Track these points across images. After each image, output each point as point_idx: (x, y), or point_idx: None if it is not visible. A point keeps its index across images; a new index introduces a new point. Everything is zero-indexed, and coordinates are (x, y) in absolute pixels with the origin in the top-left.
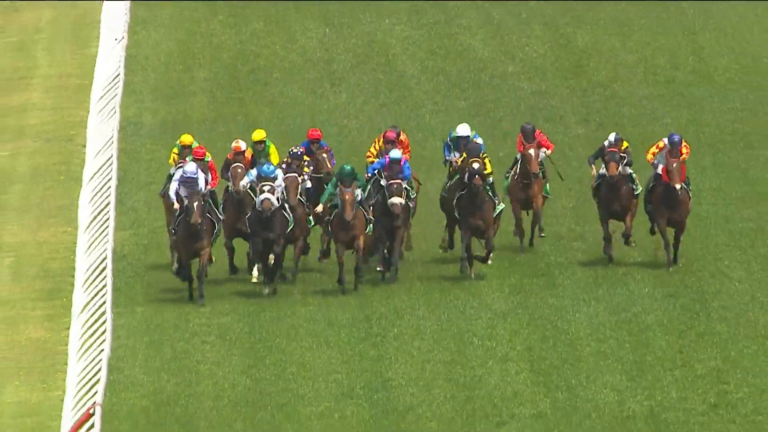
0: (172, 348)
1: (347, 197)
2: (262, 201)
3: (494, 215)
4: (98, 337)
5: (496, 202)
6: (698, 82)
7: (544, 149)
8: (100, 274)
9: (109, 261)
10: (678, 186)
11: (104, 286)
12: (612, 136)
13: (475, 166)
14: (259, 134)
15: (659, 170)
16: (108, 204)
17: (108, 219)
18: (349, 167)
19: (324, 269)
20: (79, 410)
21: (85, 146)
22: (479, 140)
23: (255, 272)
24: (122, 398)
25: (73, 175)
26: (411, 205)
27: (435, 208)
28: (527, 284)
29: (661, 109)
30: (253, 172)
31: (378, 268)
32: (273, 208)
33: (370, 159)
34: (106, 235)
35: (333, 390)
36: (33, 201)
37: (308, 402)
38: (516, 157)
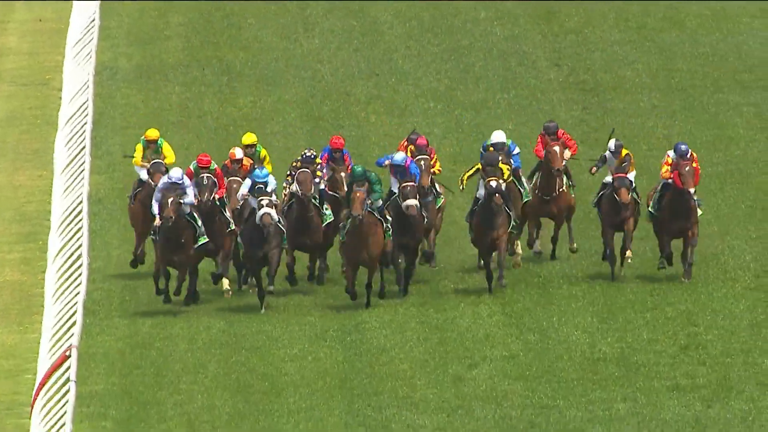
0: (147, 291)
1: (357, 195)
2: (261, 216)
3: (508, 229)
4: (74, 280)
5: (513, 216)
6: (669, 27)
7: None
8: (75, 217)
9: (84, 204)
10: (692, 189)
11: (80, 229)
12: (612, 144)
13: (493, 184)
14: (249, 138)
15: (668, 179)
16: (83, 148)
17: (83, 163)
18: (360, 168)
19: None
20: (55, 353)
21: (60, 90)
22: (516, 150)
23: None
24: (98, 341)
25: (49, 119)
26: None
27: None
28: None
29: (633, 54)
30: (248, 181)
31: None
32: (273, 223)
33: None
34: (82, 178)
35: (307, 332)
36: (9, 145)
37: (282, 344)
38: (538, 163)
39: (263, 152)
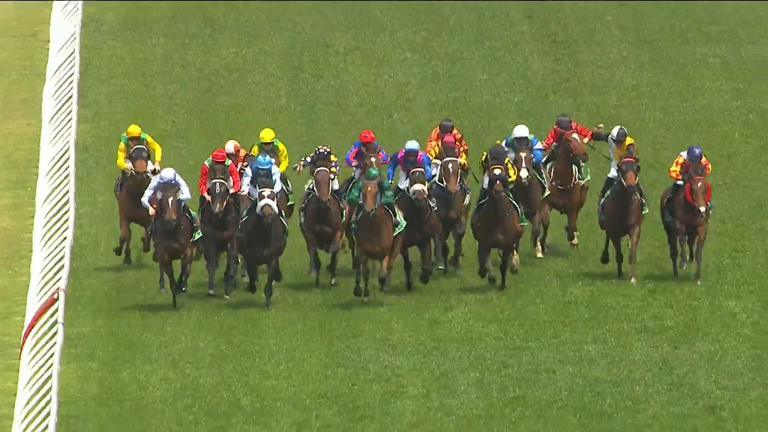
0: (133, 237)
1: (368, 189)
2: (262, 207)
3: (518, 227)
4: (61, 225)
5: (520, 211)
6: None
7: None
8: (63, 164)
9: (71, 152)
10: (703, 208)
11: (67, 176)
12: (615, 131)
13: (497, 172)
14: (267, 135)
15: (678, 181)
16: (70, 97)
17: (71, 112)
18: (374, 171)
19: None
20: (43, 295)
21: (48, 42)
22: (538, 145)
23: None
24: (85, 284)
25: (37, 70)
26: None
27: None
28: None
29: (602, 7)
30: (249, 170)
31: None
32: (274, 214)
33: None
34: (69, 127)
35: (288, 278)
36: None
37: (261, 287)
38: (552, 150)
39: (281, 147)
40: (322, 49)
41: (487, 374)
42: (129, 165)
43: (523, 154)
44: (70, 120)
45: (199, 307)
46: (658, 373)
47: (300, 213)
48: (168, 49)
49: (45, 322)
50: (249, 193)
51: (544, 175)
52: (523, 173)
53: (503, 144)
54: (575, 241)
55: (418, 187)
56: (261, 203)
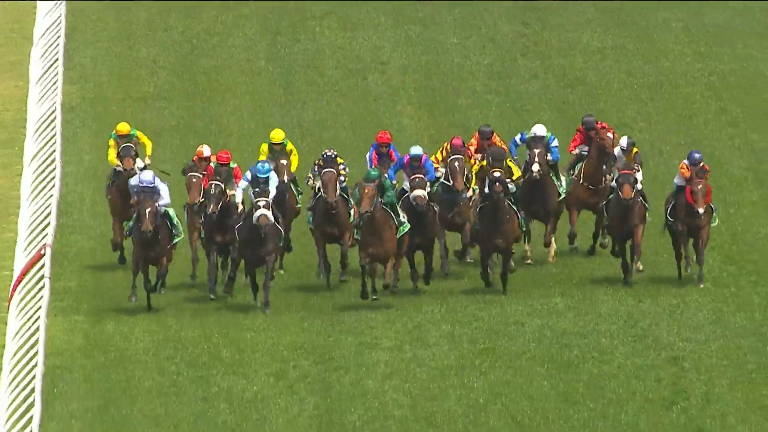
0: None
1: (366, 191)
2: (258, 217)
3: (521, 232)
4: (48, 183)
5: (521, 215)
6: None
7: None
8: (50, 124)
9: (58, 113)
10: (701, 210)
11: (54, 135)
12: (624, 141)
13: (496, 174)
14: (277, 135)
15: (679, 183)
16: (57, 60)
17: (57, 74)
18: (375, 172)
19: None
20: (30, 251)
21: (35, 6)
22: (555, 143)
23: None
24: (71, 240)
25: (25, 33)
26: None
27: None
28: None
29: None
30: (248, 174)
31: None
32: (269, 224)
33: (435, 166)
34: (56, 88)
35: None
36: None
37: None
38: (579, 152)
39: (290, 146)
40: (299, 13)
41: (458, 327)
42: (119, 162)
43: (536, 150)
44: (56, 82)
45: (180, 265)
46: (623, 326)
47: (308, 213)
48: (151, 14)
49: (32, 277)
50: (236, 196)
51: (561, 177)
52: (535, 167)
53: (518, 139)
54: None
55: (418, 192)
56: (257, 213)
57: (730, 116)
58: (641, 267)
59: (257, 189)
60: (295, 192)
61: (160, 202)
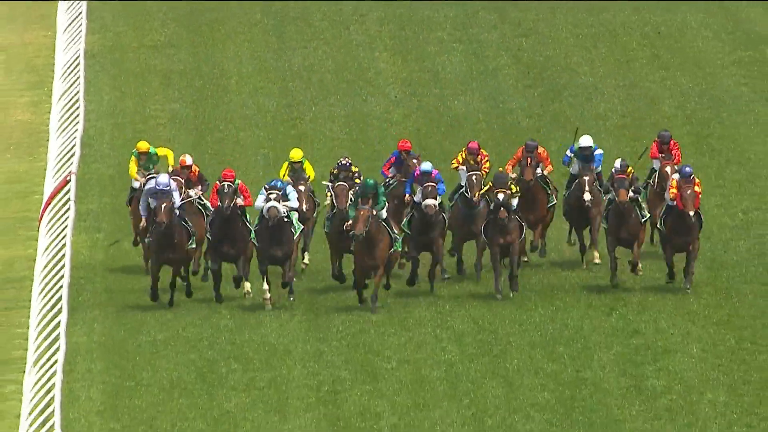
0: (132, 129)
1: (360, 213)
2: (268, 209)
3: (521, 238)
4: (74, 119)
5: (524, 225)
6: None
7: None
8: (74, 69)
9: (81, 59)
10: (692, 212)
11: (78, 78)
12: (618, 163)
13: (500, 197)
14: (297, 154)
15: (670, 201)
16: (80, 13)
17: (81, 25)
18: (371, 181)
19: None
20: (58, 178)
21: None
22: (599, 151)
23: (265, 286)
24: (92, 168)
25: None
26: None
27: None
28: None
29: None
30: (263, 190)
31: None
32: (279, 216)
33: (454, 165)
34: (80, 38)
35: (261, 161)
36: (18, 11)
37: (241, 170)
38: (653, 168)
39: (308, 166)
40: None
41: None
42: (140, 177)
43: (586, 178)
44: (80, 32)
45: None
46: (572, 247)
47: (325, 222)
48: None
49: (59, 200)
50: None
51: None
52: (586, 196)
53: (569, 152)
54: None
55: (429, 201)
56: (267, 205)
57: (662, 61)
58: (641, 270)
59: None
60: (314, 200)
61: (176, 202)
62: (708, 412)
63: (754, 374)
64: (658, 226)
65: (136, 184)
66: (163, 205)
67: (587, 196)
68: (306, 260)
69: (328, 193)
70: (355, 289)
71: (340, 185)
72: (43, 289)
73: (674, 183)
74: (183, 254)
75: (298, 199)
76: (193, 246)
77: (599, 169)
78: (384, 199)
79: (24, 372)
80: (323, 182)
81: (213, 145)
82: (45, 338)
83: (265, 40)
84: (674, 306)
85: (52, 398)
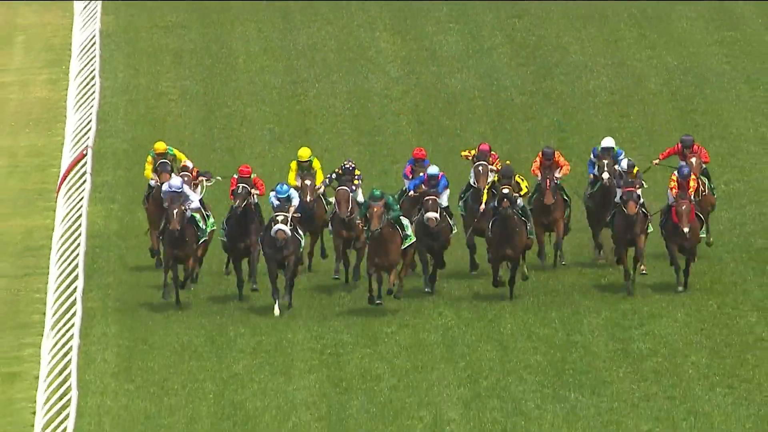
0: (145, 105)
1: (375, 210)
2: (276, 231)
3: (526, 240)
4: (90, 96)
5: (529, 227)
6: None
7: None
8: (90, 48)
9: (97, 38)
10: (686, 229)
11: (94, 57)
12: (624, 163)
13: (505, 191)
14: (305, 152)
15: (671, 201)
16: None
17: (96, 6)
18: (378, 192)
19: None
20: (74, 152)
21: None
22: (622, 156)
23: (275, 295)
24: (107, 143)
25: None
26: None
27: None
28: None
29: None
30: (273, 200)
31: (426, 290)
32: (287, 238)
33: (464, 155)
34: (95, 18)
35: (267, 136)
36: None
37: (248, 145)
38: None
39: (315, 162)
40: None
41: None
42: (155, 176)
43: (605, 161)
44: (96, 12)
45: (201, 133)
46: None
47: (329, 221)
48: None
49: (76, 173)
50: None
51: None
52: (605, 175)
53: (593, 156)
54: (711, 239)
55: (430, 215)
56: (275, 228)
57: (648, 41)
58: (644, 269)
59: (278, 205)
60: (325, 203)
61: (191, 205)
62: (692, 373)
63: (735, 338)
64: (661, 231)
65: (153, 183)
66: (174, 211)
67: (606, 175)
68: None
69: (327, 183)
70: (368, 295)
71: (341, 190)
72: (60, 257)
73: (673, 179)
74: (192, 252)
75: (303, 192)
76: (206, 240)
77: (623, 164)
78: (397, 207)
79: (42, 335)
80: (325, 181)
81: (221, 120)
82: (62, 303)
83: (271, 20)
84: (660, 273)
85: (69, 360)
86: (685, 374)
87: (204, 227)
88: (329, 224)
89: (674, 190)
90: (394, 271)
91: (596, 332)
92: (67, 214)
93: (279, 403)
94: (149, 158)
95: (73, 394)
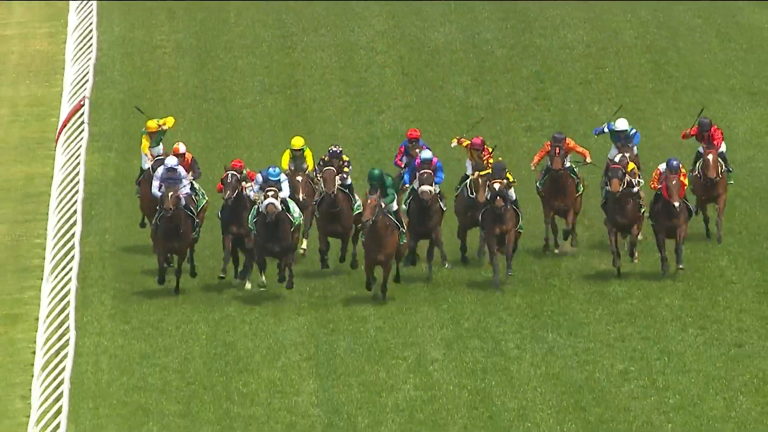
0: (140, 57)
1: (368, 201)
2: (266, 205)
3: (518, 227)
4: (87, 49)
5: (520, 213)
6: None
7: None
8: (88, 2)
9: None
10: (677, 203)
11: (91, 11)
12: (617, 157)
13: (496, 186)
14: (298, 141)
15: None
16: None
17: None
18: (377, 171)
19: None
20: (73, 102)
21: None
22: (635, 131)
23: (262, 278)
24: (104, 94)
25: None
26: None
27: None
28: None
29: None
30: (259, 177)
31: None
32: (277, 212)
33: (453, 143)
34: None
35: (257, 87)
36: None
37: (239, 95)
38: (699, 151)
39: (308, 152)
40: None
41: None
42: (150, 157)
43: (627, 154)
44: None
45: (191, 110)
46: None
47: (315, 210)
48: None
49: (74, 122)
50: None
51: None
52: (617, 157)
53: (605, 127)
54: (720, 233)
55: (425, 188)
56: (265, 202)
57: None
58: (637, 256)
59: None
60: (315, 188)
61: (183, 191)
62: (665, 315)
63: (706, 281)
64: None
65: (146, 165)
66: (170, 193)
67: (620, 157)
68: (304, 245)
69: (318, 176)
70: (366, 287)
71: (328, 170)
72: (59, 203)
73: (658, 172)
74: (187, 242)
75: (295, 189)
76: (197, 235)
77: (636, 150)
78: (393, 191)
79: (42, 279)
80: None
81: (214, 71)
82: (61, 248)
83: None
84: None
85: (68, 303)
86: (659, 316)
87: (197, 204)
88: (316, 208)
89: (654, 184)
90: (388, 270)
91: (573, 276)
92: (66, 162)
93: (269, 343)
94: (144, 136)
95: (71, 334)
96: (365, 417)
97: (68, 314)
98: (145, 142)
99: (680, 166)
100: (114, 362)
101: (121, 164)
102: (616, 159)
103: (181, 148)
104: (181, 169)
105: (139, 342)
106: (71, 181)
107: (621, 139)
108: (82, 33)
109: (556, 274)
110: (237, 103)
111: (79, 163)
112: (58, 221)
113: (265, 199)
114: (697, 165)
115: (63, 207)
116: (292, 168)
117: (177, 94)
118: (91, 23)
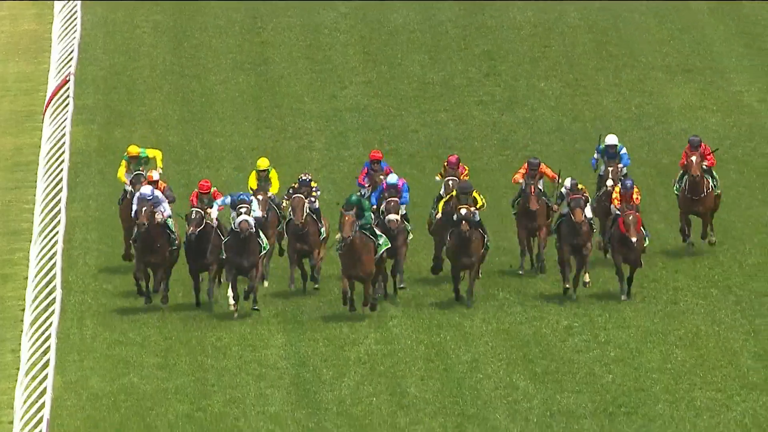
0: (122, 36)
1: (345, 218)
2: (239, 223)
3: (483, 251)
4: (71, 28)
5: (486, 239)
6: None
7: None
8: None
9: None
10: (635, 238)
11: None
12: (568, 182)
13: (463, 212)
14: (263, 163)
15: (617, 211)
16: None
17: None
18: (355, 197)
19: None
20: (59, 78)
21: None
22: (624, 151)
23: (230, 292)
24: (88, 70)
25: None
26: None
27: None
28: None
29: None
30: (228, 200)
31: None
32: (250, 229)
33: (438, 179)
34: None
35: (230, 64)
36: None
37: (213, 72)
38: (682, 173)
39: (273, 173)
40: None
41: None
42: (127, 179)
43: (610, 168)
44: None
45: (168, 86)
46: None
47: (285, 233)
48: None
49: (60, 96)
50: (213, 212)
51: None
52: (609, 182)
53: (596, 154)
54: (714, 239)
55: (391, 217)
56: (238, 219)
57: None
58: (588, 279)
59: (239, 206)
60: (278, 214)
61: (164, 213)
62: (607, 275)
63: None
64: (606, 244)
65: (129, 187)
66: (143, 209)
67: (610, 182)
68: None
69: (284, 203)
70: (344, 303)
71: (297, 197)
72: (46, 171)
73: (617, 192)
74: (163, 259)
75: (259, 204)
76: (175, 249)
77: (625, 169)
78: (370, 214)
79: (30, 241)
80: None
81: (189, 50)
82: (48, 212)
83: None
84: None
85: (54, 264)
86: (601, 275)
87: (175, 234)
88: (284, 233)
89: (616, 202)
90: (369, 284)
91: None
92: (53, 134)
93: (241, 301)
94: (123, 162)
95: (58, 293)
96: (330, 369)
97: (55, 274)
98: (122, 169)
99: (633, 186)
100: (97, 318)
101: (104, 136)
102: (567, 185)
103: (155, 175)
104: (158, 193)
105: (121, 300)
106: (57, 150)
107: (610, 154)
108: (67, 14)
109: (505, 237)
110: (211, 80)
111: (64, 135)
112: (46, 188)
113: (238, 216)
114: (684, 182)
115: (50, 175)
116: (257, 188)
117: (155, 71)
118: (75, 5)
